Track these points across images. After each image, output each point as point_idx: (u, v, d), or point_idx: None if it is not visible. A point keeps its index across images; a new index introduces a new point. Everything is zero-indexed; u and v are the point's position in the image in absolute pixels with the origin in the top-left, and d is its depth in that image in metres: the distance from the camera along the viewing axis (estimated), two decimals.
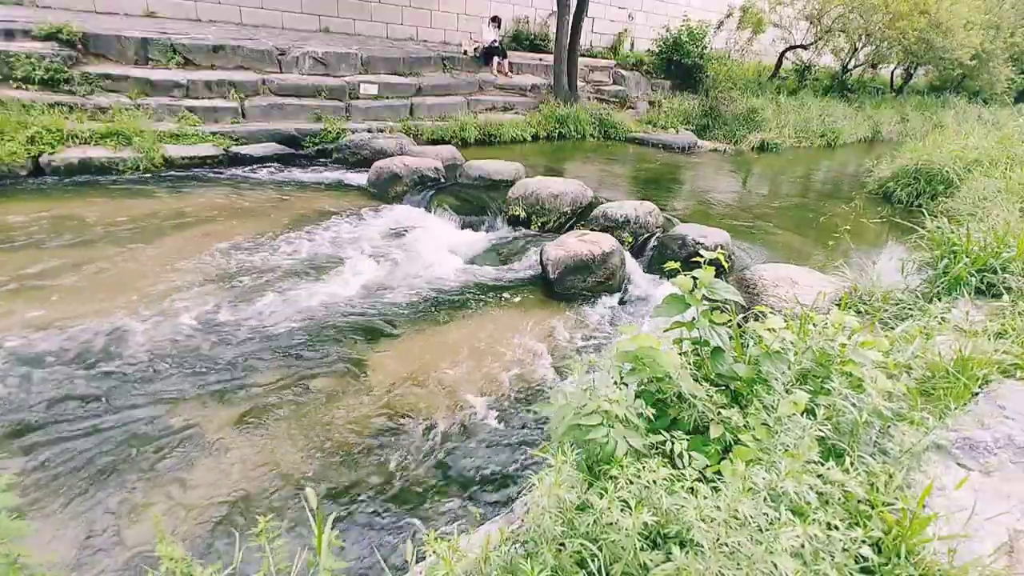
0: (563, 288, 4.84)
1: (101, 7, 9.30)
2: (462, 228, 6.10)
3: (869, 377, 1.89)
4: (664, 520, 1.52)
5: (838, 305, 3.64)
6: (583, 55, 12.89)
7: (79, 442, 2.81)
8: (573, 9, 10.90)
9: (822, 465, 1.61)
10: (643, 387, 2.05)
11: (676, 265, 2.26)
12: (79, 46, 7.39)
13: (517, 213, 6.04)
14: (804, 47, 16.14)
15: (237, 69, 8.48)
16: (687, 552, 1.41)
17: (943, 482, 1.90)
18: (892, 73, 19.07)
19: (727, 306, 2.24)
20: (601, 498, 1.53)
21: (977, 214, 5.09)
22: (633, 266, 5.32)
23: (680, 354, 2.29)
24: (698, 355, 2.24)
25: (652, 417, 1.88)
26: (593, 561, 1.51)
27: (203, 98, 7.81)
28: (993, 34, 16.67)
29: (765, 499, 1.43)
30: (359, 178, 7.25)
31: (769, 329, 2.08)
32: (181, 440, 2.89)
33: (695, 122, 12.55)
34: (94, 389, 3.17)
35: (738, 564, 1.32)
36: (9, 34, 7.12)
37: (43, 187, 5.88)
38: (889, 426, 1.91)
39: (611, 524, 1.47)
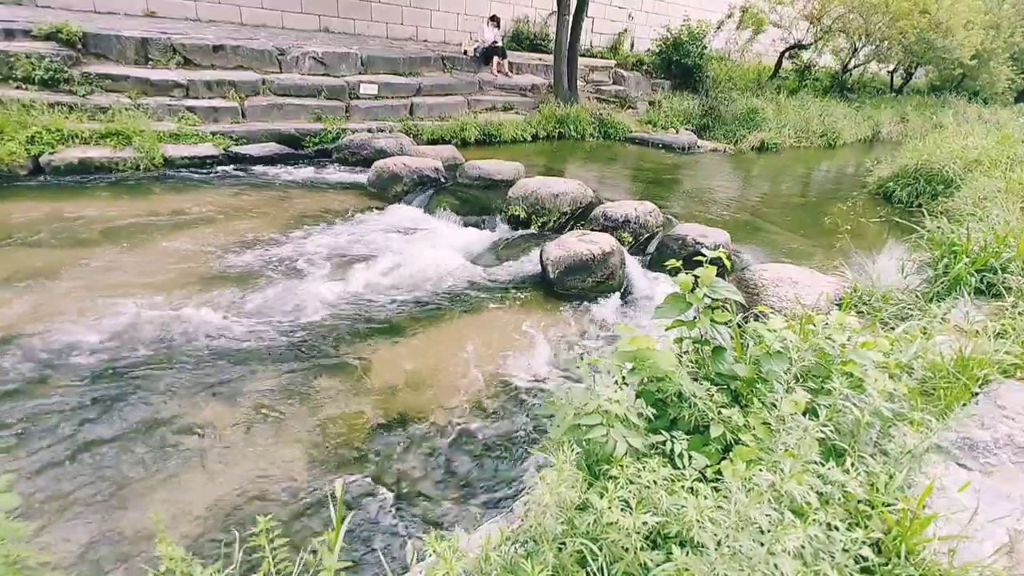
0: (563, 288, 4.84)
1: (101, 7, 9.30)
2: (462, 228, 6.09)
3: (870, 377, 1.89)
4: (664, 520, 1.52)
5: (839, 305, 3.64)
6: (583, 55, 12.88)
7: (78, 440, 2.80)
8: (573, 9, 10.90)
9: (822, 465, 1.61)
10: (643, 387, 2.05)
11: (677, 264, 2.26)
12: (79, 46, 7.39)
13: (517, 213, 6.04)
14: (804, 47, 16.14)
15: (237, 69, 8.48)
16: (687, 552, 1.41)
17: (943, 482, 1.90)
18: (892, 73, 19.08)
19: (727, 306, 2.24)
20: (601, 498, 1.53)
21: (977, 214, 5.08)
22: (633, 266, 5.32)
23: (681, 353, 2.30)
24: (699, 354, 2.24)
25: (652, 417, 1.88)
26: (594, 560, 1.51)
27: (203, 98, 7.80)
28: (993, 34, 16.68)
29: (769, 501, 1.43)
30: (359, 178, 7.25)
31: (770, 329, 2.08)
32: (180, 439, 2.89)
33: (695, 122, 12.54)
34: (93, 387, 3.17)
35: (740, 566, 1.31)
36: (9, 34, 7.12)
37: (43, 187, 5.88)
38: (890, 426, 1.91)
39: (611, 524, 1.47)
